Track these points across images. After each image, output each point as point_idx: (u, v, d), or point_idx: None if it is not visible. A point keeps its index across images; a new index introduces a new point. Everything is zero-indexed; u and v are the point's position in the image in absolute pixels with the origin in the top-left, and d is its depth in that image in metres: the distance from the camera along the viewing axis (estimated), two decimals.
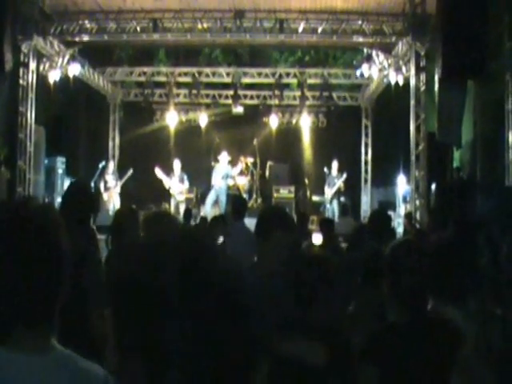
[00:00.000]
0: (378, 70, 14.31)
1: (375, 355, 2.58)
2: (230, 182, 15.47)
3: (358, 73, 15.26)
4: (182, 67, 18.44)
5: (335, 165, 15.79)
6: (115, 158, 18.96)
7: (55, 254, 1.52)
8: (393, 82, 13.86)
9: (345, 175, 15.56)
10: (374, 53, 14.19)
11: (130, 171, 15.78)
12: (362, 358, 2.63)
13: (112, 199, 15.51)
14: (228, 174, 15.09)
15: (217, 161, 15.46)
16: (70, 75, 14.53)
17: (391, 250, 2.69)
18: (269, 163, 17.27)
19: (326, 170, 15.87)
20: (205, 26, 14.30)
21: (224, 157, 15.31)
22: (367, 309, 3.66)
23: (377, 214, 5.74)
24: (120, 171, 16.27)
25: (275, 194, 16.13)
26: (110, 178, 15.74)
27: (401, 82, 13.58)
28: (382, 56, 14.15)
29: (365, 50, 14.81)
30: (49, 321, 1.52)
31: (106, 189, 15.56)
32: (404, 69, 13.51)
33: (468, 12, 9.64)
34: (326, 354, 2.63)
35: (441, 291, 3.06)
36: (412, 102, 12.84)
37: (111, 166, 16.18)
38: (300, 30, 14.06)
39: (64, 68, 14.39)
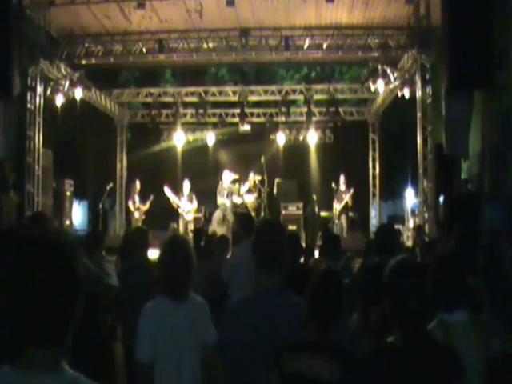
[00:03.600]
0: (384, 84, 14.26)
1: (370, 376, 2.50)
2: (237, 200, 15.41)
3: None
4: (188, 87, 18.50)
5: (343, 180, 15.70)
6: (123, 179, 19.01)
7: (72, 276, 1.57)
8: (399, 96, 13.83)
9: (352, 190, 15.48)
10: (379, 67, 14.15)
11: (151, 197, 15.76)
12: (357, 377, 2.55)
13: (141, 218, 15.58)
14: (232, 190, 15.05)
15: (221, 179, 15.39)
16: (77, 98, 14.58)
17: (390, 270, 2.59)
18: (276, 180, 17.18)
19: (333, 185, 15.79)
20: (210, 45, 14.39)
21: (226, 175, 15.27)
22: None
23: (382, 228, 5.66)
24: (128, 192, 16.25)
25: (283, 211, 16.04)
26: (137, 198, 15.81)
27: (407, 95, 13.51)
28: (387, 70, 14.12)
29: (370, 65, 14.78)
30: (61, 342, 1.55)
31: (136, 208, 15.66)
32: (410, 82, 13.47)
33: (474, 23, 9.56)
34: (338, 372, 2.59)
35: (443, 300, 3.09)
36: (418, 115, 12.80)
37: (138, 185, 16.06)
38: (305, 46, 14.11)
39: (71, 91, 14.44)
